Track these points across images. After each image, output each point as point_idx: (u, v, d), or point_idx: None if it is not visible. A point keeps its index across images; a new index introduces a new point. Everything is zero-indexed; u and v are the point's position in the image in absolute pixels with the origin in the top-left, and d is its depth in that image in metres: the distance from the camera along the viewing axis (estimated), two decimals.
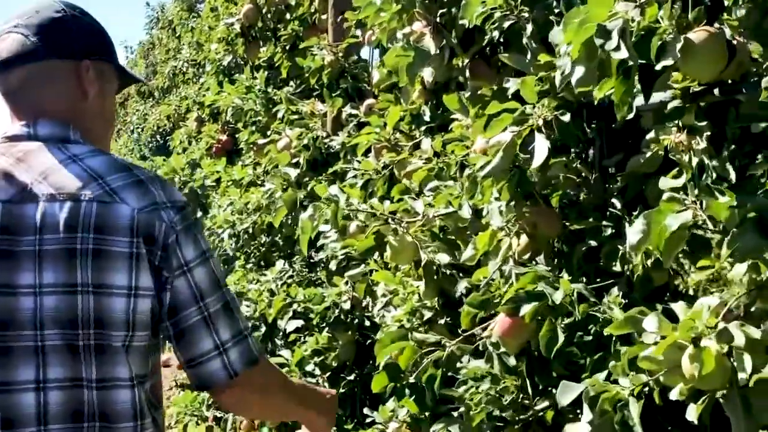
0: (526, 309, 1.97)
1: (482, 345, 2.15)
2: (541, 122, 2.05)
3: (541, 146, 2.01)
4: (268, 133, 4.74)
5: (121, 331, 1.42)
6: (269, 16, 5.38)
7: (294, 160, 4.15)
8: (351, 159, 3.83)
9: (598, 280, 2.24)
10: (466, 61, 2.52)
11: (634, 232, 1.71)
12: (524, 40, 2.23)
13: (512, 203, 2.23)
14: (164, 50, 11.82)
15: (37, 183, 1.43)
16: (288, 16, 5.19)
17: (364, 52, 4.56)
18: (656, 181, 2.25)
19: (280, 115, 4.59)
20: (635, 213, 2.21)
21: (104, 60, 1.60)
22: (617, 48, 1.42)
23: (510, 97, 2.25)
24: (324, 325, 3.74)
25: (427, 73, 2.47)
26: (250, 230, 4.63)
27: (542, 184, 2.32)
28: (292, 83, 5.04)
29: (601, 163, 2.26)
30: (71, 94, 1.55)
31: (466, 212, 2.42)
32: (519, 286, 2.02)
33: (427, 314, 2.81)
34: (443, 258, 2.46)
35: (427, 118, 3.19)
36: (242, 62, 6.11)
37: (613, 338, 1.93)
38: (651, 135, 2.13)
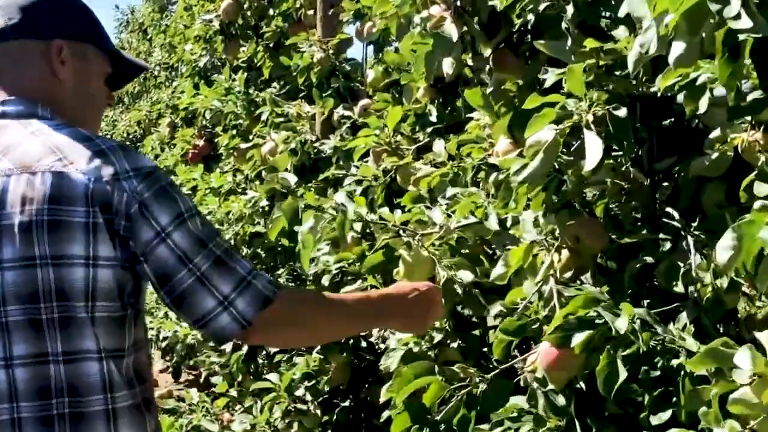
0: (579, 339, 1.66)
1: (523, 380, 1.83)
2: (590, 118, 1.75)
3: (594, 146, 1.71)
4: (251, 137, 4.41)
5: (82, 302, 1.41)
6: (250, 12, 5.03)
7: None
8: (344, 164, 3.53)
9: (648, 301, 1.95)
10: (488, 50, 2.21)
11: (723, 248, 1.40)
12: (564, 25, 1.93)
13: (550, 213, 1.93)
14: (134, 54, 11.46)
15: None
16: (271, 11, 4.86)
17: (352, 52, 4.26)
18: (715, 186, 1.97)
19: (263, 117, 4.26)
20: (694, 224, 1.92)
21: (87, 42, 1.60)
22: (737, 16, 1.12)
23: (540, 90, 1.96)
24: None
25: (447, 65, 2.15)
26: (232, 241, 4.30)
27: (580, 190, 2.02)
28: (275, 84, 4.72)
29: (652, 166, 1.97)
30: (42, 74, 1.55)
31: (493, 223, 2.12)
32: (568, 310, 1.70)
33: (438, 336, 2.52)
34: (466, 276, 2.14)
35: (433, 118, 2.89)
36: (220, 63, 5.79)
37: (682, 373, 1.64)
38: (716, 133, 1.84)
